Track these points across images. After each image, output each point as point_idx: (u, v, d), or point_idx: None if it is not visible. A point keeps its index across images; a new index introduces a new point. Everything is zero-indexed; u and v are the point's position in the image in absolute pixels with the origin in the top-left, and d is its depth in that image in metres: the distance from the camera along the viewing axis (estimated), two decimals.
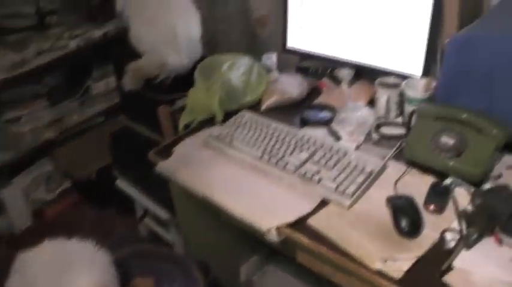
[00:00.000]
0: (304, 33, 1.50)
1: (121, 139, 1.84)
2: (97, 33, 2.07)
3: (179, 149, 1.25)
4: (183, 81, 1.43)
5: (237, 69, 1.35)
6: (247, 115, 1.32)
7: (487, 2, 1.28)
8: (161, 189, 1.39)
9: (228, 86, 1.31)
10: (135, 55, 1.58)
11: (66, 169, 2.20)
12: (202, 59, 1.48)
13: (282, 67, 1.51)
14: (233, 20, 1.84)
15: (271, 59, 1.45)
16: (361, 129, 1.23)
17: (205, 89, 1.31)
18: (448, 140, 1.06)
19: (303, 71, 1.53)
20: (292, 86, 1.40)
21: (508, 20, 1.10)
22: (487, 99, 1.07)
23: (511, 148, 1.06)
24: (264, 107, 1.37)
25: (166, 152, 1.25)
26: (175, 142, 1.28)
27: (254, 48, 1.78)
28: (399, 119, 1.28)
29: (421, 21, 1.24)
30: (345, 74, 1.41)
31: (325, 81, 1.47)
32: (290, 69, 1.55)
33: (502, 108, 1.05)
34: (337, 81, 1.44)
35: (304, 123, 1.31)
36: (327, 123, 1.28)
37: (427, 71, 1.28)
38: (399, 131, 1.23)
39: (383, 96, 1.27)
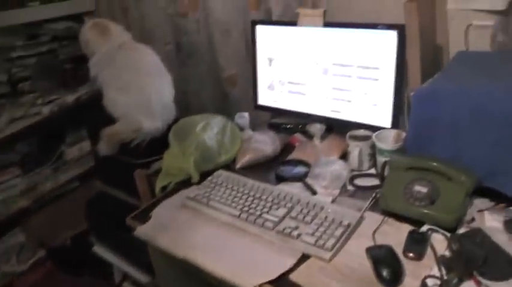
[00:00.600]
0: (274, 91, 1.55)
1: (97, 204, 1.81)
2: (70, 98, 2.08)
3: (157, 212, 1.24)
4: (158, 144, 1.45)
5: (210, 129, 1.37)
6: (223, 175, 1.33)
7: (446, 56, 1.37)
8: (140, 253, 1.37)
9: (203, 147, 1.33)
10: (109, 120, 1.60)
11: (40, 237, 2.14)
12: (176, 121, 1.51)
13: (254, 125, 1.55)
14: (204, 79, 1.90)
15: (244, 117, 1.49)
16: (336, 182, 1.25)
17: (180, 151, 1.32)
18: (420, 189, 1.09)
19: (275, 127, 1.58)
20: (265, 143, 1.43)
21: (465, 73, 1.17)
22: (453, 148, 1.11)
23: (480, 192, 1.10)
24: (239, 165, 1.39)
25: (144, 216, 1.24)
26: (152, 205, 1.28)
27: (226, 107, 1.83)
28: (372, 170, 1.31)
29: (387, 75, 1.31)
30: (317, 129, 1.45)
31: (298, 136, 1.51)
32: (262, 126, 1.59)
33: (468, 156, 1.10)
34: (309, 136, 1.48)
35: (280, 179, 1.33)
36: (302, 178, 1.30)
37: (396, 123, 1.34)
38: (373, 182, 1.26)
39: (355, 149, 1.31)
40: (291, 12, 1.53)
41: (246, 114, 1.49)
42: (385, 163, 1.22)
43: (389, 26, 1.26)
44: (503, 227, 1.02)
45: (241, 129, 1.48)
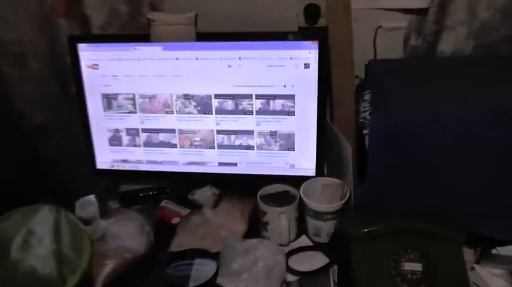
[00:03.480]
0: (121, 144, 1.00)
1: None
2: None
3: None
4: None
5: (38, 242, 0.75)
6: None
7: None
8: None
9: (34, 282, 0.70)
10: None
11: None
12: None
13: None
14: None
15: (91, 205, 0.88)
16: (276, 278, 0.80)
17: None
18: (413, 267, 0.73)
19: (130, 200, 1.03)
20: (130, 236, 0.87)
21: (409, 92, 0.86)
22: (430, 195, 0.80)
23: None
24: (99, 284, 0.81)
25: None
26: None
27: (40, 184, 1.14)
28: (303, 240, 0.91)
29: (305, 105, 0.92)
30: (207, 195, 0.96)
31: (172, 208, 1.00)
32: (112, 202, 1.02)
33: (451, 201, 0.79)
34: (193, 205, 0.98)
35: None
36: (212, 282, 0.81)
37: (320, 169, 0.96)
38: (320, 260, 0.85)
39: (282, 218, 0.88)
40: (123, 20, 1.00)
41: (93, 199, 0.89)
42: (336, 233, 0.83)
43: (305, 35, 0.87)
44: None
45: (86, 222, 0.88)
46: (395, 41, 1.03)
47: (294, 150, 0.95)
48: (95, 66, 0.94)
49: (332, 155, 0.96)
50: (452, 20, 0.98)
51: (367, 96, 0.94)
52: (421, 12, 0.99)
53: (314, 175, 0.96)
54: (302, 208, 0.91)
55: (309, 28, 0.91)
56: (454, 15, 0.97)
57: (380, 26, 1.01)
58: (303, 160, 0.96)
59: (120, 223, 0.92)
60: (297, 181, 0.94)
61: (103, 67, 0.94)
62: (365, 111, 0.92)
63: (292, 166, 0.97)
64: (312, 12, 0.95)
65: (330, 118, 0.96)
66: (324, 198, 0.94)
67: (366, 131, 0.86)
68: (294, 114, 0.92)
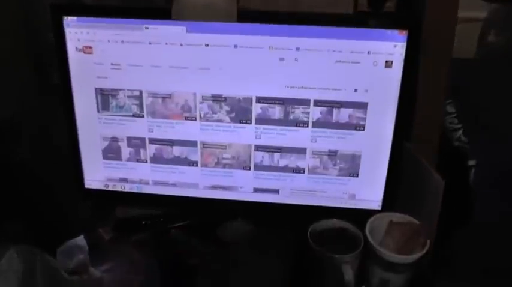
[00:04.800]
0: (120, 158, 0.73)
1: None
2: None
3: None
4: None
5: None
6: None
7: None
8: None
9: None
10: None
11: None
12: None
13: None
14: None
15: (79, 249, 0.62)
16: None
17: None
18: None
19: (129, 229, 0.77)
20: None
21: None
22: None
23: None
24: None
25: None
26: None
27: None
28: None
29: (380, 116, 0.67)
30: (236, 227, 0.71)
31: (184, 241, 0.75)
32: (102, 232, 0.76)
33: None
34: (217, 241, 0.73)
35: None
36: None
37: (390, 201, 0.72)
38: None
39: (345, 269, 0.64)
40: None
41: (82, 242, 0.62)
42: None
43: (392, 21, 0.62)
44: None
45: (72, 272, 0.61)
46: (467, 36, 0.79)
47: (357, 176, 0.71)
48: (87, 50, 0.67)
49: (406, 185, 0.72)
50: None
51: (450, 108, 0.70)
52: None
53: (379, 208, 0.73)
54: (363, 252, 0.68)
55: (393, 13, 0.66)
56: None
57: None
58: (367, 189, 0.72)
59: (118, 268, 0.66)
60: (353, 215, 0.71)
61: (99, 52, 0.67)
62: (454, 129, 0.69)
63: (352, 196, 0.72)
64: None
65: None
66: (390, 240, 0.71)
67: (471, 162, 0.62)
68: (363, 129, 0.67)
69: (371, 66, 0.64)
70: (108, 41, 0.66)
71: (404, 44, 0.63)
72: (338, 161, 0.70)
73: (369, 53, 0.63)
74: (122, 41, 0.66)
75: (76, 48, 0.67)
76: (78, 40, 0.66)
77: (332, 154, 0.69)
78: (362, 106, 0.66)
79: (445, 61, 0.64)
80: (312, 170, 0.71)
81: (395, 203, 0.73)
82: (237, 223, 0.73)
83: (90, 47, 0.67)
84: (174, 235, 0.76)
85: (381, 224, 0.71)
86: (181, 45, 0.65)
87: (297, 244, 0.71)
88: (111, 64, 0.67)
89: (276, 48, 0.64)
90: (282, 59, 0.64)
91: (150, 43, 0.65)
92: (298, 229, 0.70)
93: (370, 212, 0.70)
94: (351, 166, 0.70)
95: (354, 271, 0.66)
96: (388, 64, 0.64)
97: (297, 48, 0.64)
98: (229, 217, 0.74)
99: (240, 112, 0.68)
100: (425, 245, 0.67)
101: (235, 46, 0.64)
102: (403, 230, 0.71)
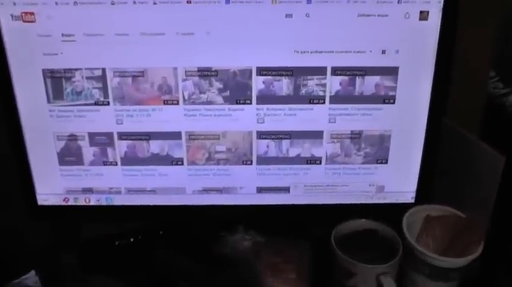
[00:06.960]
0: (83, 165, 0.56)
1: None
2: None
3: None
4: None
5: None
6: None
7: None
8: None
9: None
10: None
11: None
12: None
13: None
14: None
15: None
16: None
17: None
18: None
19: (97, 254, 0.60)
20: None
21: None
22: None
23: None
24: None
25: None
26: None
27: None
28: None
29: (412, 93, 0.53)
30: (237, 239, 0.56)
31: (173, 259, 0.58)
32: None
33: None
34: (216, 257, 0.57)
35: None
36: None
37: (426, 192, 0.58)
38: None
39: (378, 281, 0.50)
40: None
41: (33, 278, 0.45)
42: None
43: None
44: None
45: None
46: None
47: (386, 162, 0.56)
48: (28, 17, 0.50)
49: (445, 171, 0.59)
50: None
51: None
52: None
53: (413, 201, 0.59)
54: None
55: None
56: None
57: None
58: (397, 179, 0.58)
59: None
60: (383, 212, 0.57)
61: (44, 19, 0.50)
62: (502, 94, 0.56)
63: (381, 189, 0.58)
64: None
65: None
66: (429, 239, 0.57)
67: None
68: (393, 102, 0.53)
69: (402, 19, 0.50)
70: (56, 3, 0.49)
71: None
72: (363, 145, 0.55)
73: (399, 1, 0.50)
74: (75, 2, 0.49)
75: (12, 16, 0.50)
76: (14, 4, 0.50)
77: (355, 136, 0.55)
78: (392, 72, 0.52)
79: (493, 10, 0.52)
80: (331, 159, 0.56)
81: (432, 194, 0.60)
82: (237, 235, 0.57)
83: (32, 13, 0.50)
84: (158, 256, 0.59)
85: (417, 221, 0.58)
86: (154, 3, 0.49)
87: (317, 255, 0.57)
88: (62, 35, 0.50)
89: (281, 2, 0.49)
90: (289, 16, 0.50)
91: (112, 3, 0.49)
92: (316, 236, 0.55)
93: (402, 207, 0.57)
94: (379, 150, 0.56)
95: (395, 282, 0.52)
96: (424, 16, 0.50)
97: (308, 0, 0.49)
98: (228, 228, 0.58)
99: (236, 89, 0.52)
100: (481, 242, 0.53)
101: (227, 1, 0.49)
102: (442, 225, 0.58)
